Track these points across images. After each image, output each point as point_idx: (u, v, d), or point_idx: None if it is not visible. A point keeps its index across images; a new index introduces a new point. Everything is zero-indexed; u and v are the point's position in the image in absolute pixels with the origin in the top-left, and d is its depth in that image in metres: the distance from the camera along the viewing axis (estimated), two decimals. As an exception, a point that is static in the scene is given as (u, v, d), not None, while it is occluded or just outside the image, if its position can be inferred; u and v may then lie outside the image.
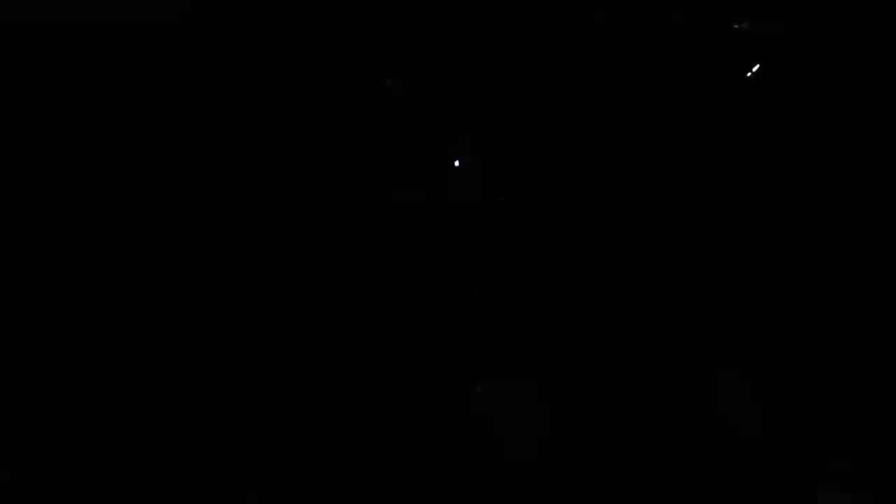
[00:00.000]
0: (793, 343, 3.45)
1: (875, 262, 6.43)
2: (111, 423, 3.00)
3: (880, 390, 3.30)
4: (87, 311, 6.22)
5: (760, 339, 3.52)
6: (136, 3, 5.38)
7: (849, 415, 3.02)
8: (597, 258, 7.15)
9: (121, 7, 5.25)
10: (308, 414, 3.02)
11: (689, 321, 3.65)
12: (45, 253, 6.43)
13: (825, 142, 6.74)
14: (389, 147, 8.62)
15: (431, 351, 3.56)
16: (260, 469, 2.53)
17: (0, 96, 6.00)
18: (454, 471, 2.57)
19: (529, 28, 6.97)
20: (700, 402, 3.17)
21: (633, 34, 6.55)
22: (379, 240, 7.70)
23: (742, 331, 3.99)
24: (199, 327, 6.85)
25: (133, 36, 5.62)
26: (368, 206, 8.35)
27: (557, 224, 6.29)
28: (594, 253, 7.12)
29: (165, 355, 5.59)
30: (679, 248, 7.08)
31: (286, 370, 3.79)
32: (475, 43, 7.43)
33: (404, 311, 6.95)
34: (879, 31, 5.54)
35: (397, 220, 8.16)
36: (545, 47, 7.36)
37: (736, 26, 6.27)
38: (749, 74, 6.46)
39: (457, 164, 9.47)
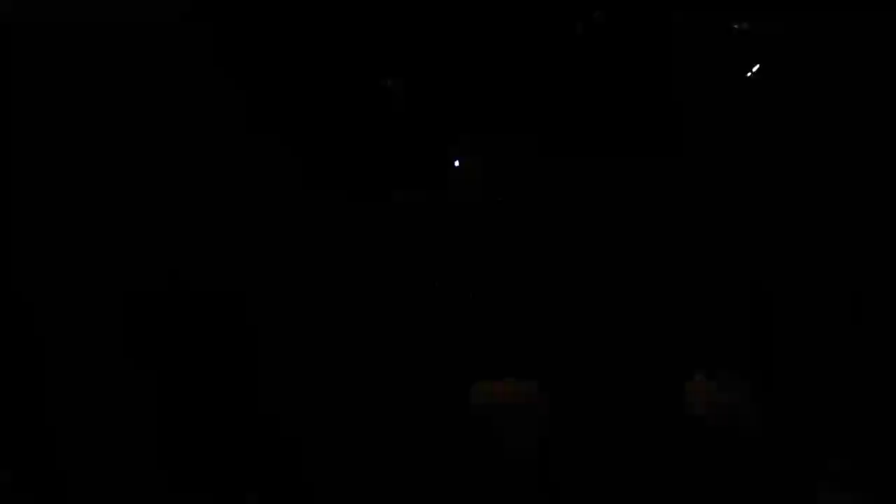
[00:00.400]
0: (793, 343, 3.45)
1: (875, 262, 6.43)
2: (111, 423, 3.00)
3: (880, 390, 3.30)
4: (87, 311, 6.22)
5: (760, 339, 3.52)
6: (136, 3, 5.38)
7: (849, 415, 3.02)
8: (596, 258, 7.14)
9: (121, 7, 5.25)
10: (308, 414, 3.02)
11: (689, 321, 3.65)
12: (45, 253, 6.43)
13: (825, 141, 6.74)
14: (389, 147, 8.61)
15: (431, 351, 3.56)
16: (260, 469, 2.52)
17: (0, 96, 6.00)
18: (454, 470, 2.57)
19: (529, 28, 6.96)
20: (699, 402, 3.17)
21: (633, 34, 6.55)
22: (379, 240, 7.69)
23: (742, 331, 3.99)
24: (199, 327, 6.84)
25: (133, 36, 5.62)
26: (368, 206, 8.34)
27: (557, 224, 6.29)
28: (594, 253, 7.11)
29: (165, 355, 5.59)
30: (679, 248, 7.08)
31: (286, 370, 3.79)
32: (475, 43, 7.42)
33: (404, 310, 6.94)
34: (879, 31, 5.53)
35: (397, 220, 8.16)
36: (545, 47, 7.36)
37: (736, 26, 6.27)
38: (749, 74, 6.46)
39: (457, 164, 9.46)
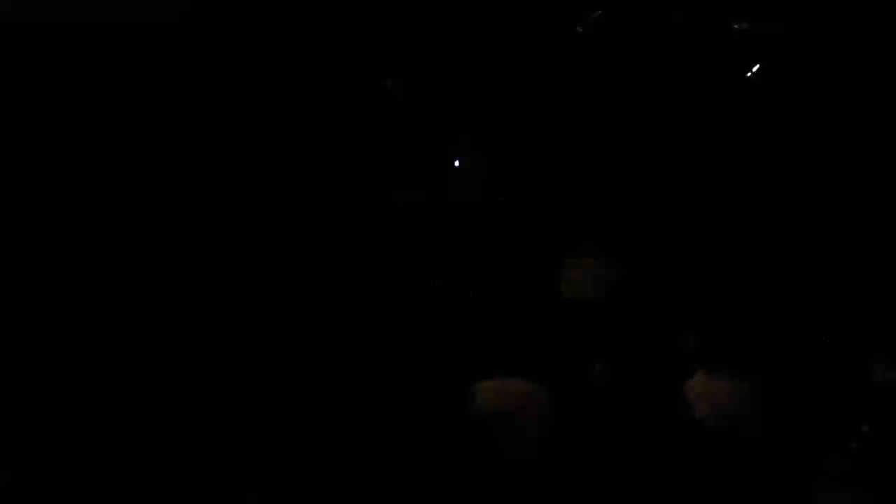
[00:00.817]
0: (793, 343, 3.45)
1: (875, 262, 6.42)
2: (111, 423, 3.00)
3: (880, 390, 3.30)
4: (87, 311, 6.22)
5: (760, 339, 3.52)
6: (136, 3, 5.38)
7: (848, 415, 3.02)
8: (596, 258, 7.13)
9: (121, 7, 5.25)
10: (308, 414, 3.02)
11: (689, 321, 3.65)
12: (45, 253, 6.43)
13: (825, 141, 6.74)
14: (389, 147, 8.62)
15: (431, 350, 3.56)
16: (260, 469, 2.52)
17: (0, 96, 6.00)
18: (454, 470, 2.57)
19: (529, 29, 6.96)
20: (699, 402, 3.17)
21: (633, 34, 6.55)
22: (379, 240, 7.68)
23: (742, 331, 4.00)
24: (199, 327, 6.84)
25: (133, 36, 5.62)
26: (368, 206, 8.34)
27: (557, 224, 6.28)
28: (593, 253, 7.10)
29: (165, 355, 5.58)
30: (679, 248, 7.07)
31: (286, 370, 3.79)
32: (475, 43, 7.42)
33: (404, 310, 6.94)
34: (879, 31, 5.53)
35: (397, 220, 8.16)
36: (545, 48, 7.36)
37: (736, 26, 6.27)
38: (749, 74, 6.45)
39: (457, 164, 9.46)
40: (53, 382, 3.52)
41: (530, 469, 3.35)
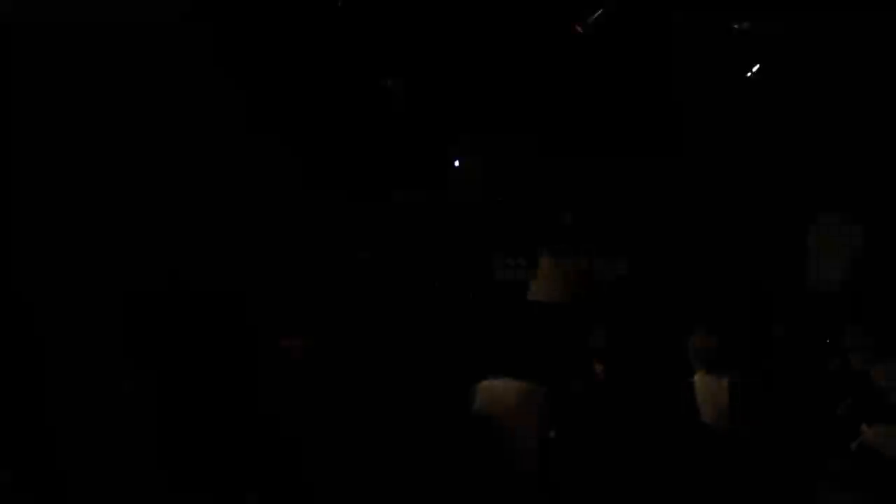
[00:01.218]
0: (793, 343, 3.46)
1: (875, 262, 6.42)
2: (111, 423, 2.99)
3: (880, 390, 3.30)
4: (87, 311, 6.21)
5: (760, 339, 3.53)
6: (136, 3, 5.37)
7: (848, 415, 3.02)
8: (596, 258, 7.12)
9: (121, 7, 5.24)
10: (308, 414, 3.01)
11: (689, 321, 3.65)
12: (45, 253, 6.42)
13: (825, 141, 6.73)
14: (389, 147, 8.62)
15: (432, 350, 3.56)
16: (260, 469, 2.52)
17: (0, 96, 5.99)
18: (454, 470, 2.56)
19: (529, 29, 6.96)
20: (700, 403, 3.17)
21: (633, 34, 6.55)
22: (379, 240, 7.69)
23: (742, 330, 4.00)
24: (199, 327, 6.82)
25: (133, 36, 5.61)
26: (368, 206, 8.35)
27: (556, 224, 6.28)
28: (592, 252, 7.09)
29: (165, 355, 5.58)
30: (679, 248, 7.06)
31: (286, 370, 3.79)
32: (475, 44, 7.42)
33: (404, 310, 6.93)
34: (879, 31, 5.53)
35: (397, 220, 8.16)
36: (545, 48, 7.35)
37: (736, 26, 6.27)
38: (749, 74, 6.45)
39: (457, 164, 9.46)
40: (53, 382, 3.52)
41: (530, 468, 3.35)
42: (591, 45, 6.68)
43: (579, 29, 5.85)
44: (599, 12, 5.58)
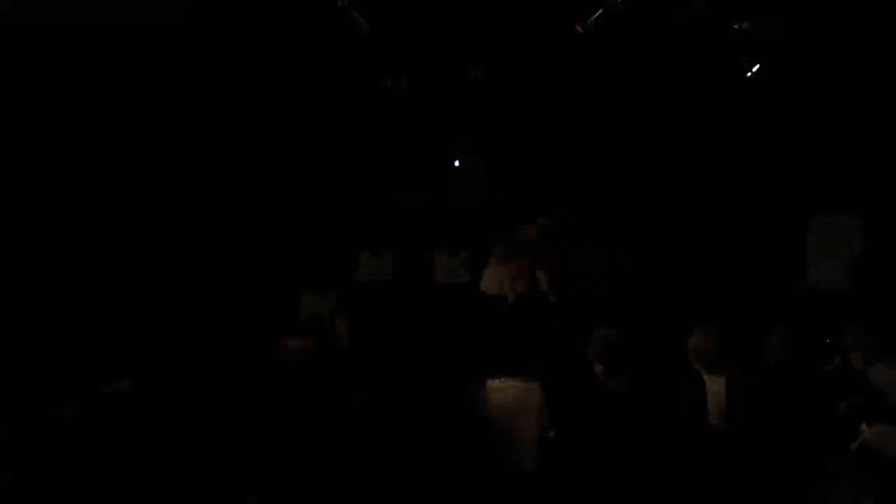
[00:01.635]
0: (793, 343, 3.45)
1: (874, 261, 6.41)
2: (111, 423, 3.00)
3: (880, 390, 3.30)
4: (87, 311, 6.20)
5: (760, 338, 3.52)
6: (137, 2, 5.37)
7: (848, 415, 3.02)
8: (596, 258, 7.12)
9: (121, 7, 5.24)
10: (308, 414, 3.01)
11: (689, 321, 3.64)
12: (46, 253, 6.42)
13: (825, 141, 6.73)
14: (389, 147, 8.61)
15: (432, 351, 3.56)
16: (260, 469, 2.52)
17: (0, 96, 5.99)
18: (454, 470, 2.56)
19: (529, 29, 6.95)
20: (699, 403, 3.16)
21: (633, 34, 6.54)
22: (379, 240, 7.68)
23: (742, 331, 3.99)
24: (199, 327, 6.80)
25: (133, 36, 5.61)
26: (368, 206, 8.34)
27: (556, 224, 6.28)
28: (593, 253, 7.09)
29: (165, 355, 5.57)
30: (679, 248, 7.06)
31: (286, 370, 3.79)
32: (476, 44, 7.40)
33: (404, 310, 6.92)
34: (879, 31, 5.52)
35: (397, 220, 8.15)
36: (545, 48, 7.34)
37: (736, 26, 6.26)
38: (749, 74, 6.45)
39: (457, 164, 9.47)
40: (53, 383, 3.52)
41: (530, 468, 3.35)
42: (592, 44, 6.69)
43: (580, 29, 5.85)
44: (600, 12, 5.58)
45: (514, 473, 3.24)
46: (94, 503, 2.42)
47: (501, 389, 3.32)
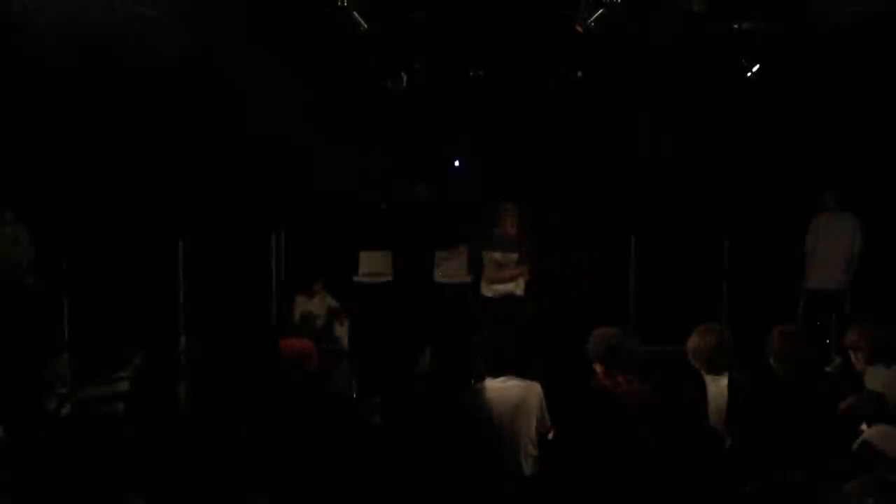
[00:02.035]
0: (792, 341, 3.45)
1: (874, 261, 6.41)
2: (111, 423, 3.00)
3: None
4: (87, 310, 6.21)
5: (761, 338, 3.52)
6: (137, 2, 5.37)
7: (848, 415, 3.02)
8: (596, 258, 7.12)
9: (121, 7, 5.24)
10: (308, 415, 3.01)
11: (690, 320, 3.65)
12: (45, 252, 6.42)
13: (825, 141, 6.73)
14: (389, 147, 8.60)
15: (431, 351, 3.57)
16: (261, 470, 2.52)
17: (0, 96, 5.99)
18: (454, 472, 2.56)
19: (529, 30, 6.95)
20: (698, 404, 3.17)
21: (633, 34, 6.54)
22: (379, 240, 7.69)
23: (742, 331, 4.00)
24: (199, 327, 6.83)
25: (133, 36, 5.60)
26: (368, 206, 8.35)
27: (556, 223, 6.29)
28: (593, 252, 7.10)
29: (165, 355, 5.58)
30: (679, 248, 7.06)
31: (286, 370, 3.79)
32: (476, 44, 7.40)
33: (404, 311, 6.93)
34: (879, 30, 5.53)
35: (397, 220, 8.16)
36: (545, 48, 7.34)
37: (736, 26, 6.27)
38: (749, 74, 6.45)
39: (457, 164, 9.47)
40: (53, 382, 3.52)
41: (530, 468, 3.35)
42: (591, 46, 6.69)
43: (580, 29, 5.86)
44: (600, 12, 5.58)
45: (514, 474, 3.25)
46: (93, 503, 2.43)
47: (501, 389, 3.33)
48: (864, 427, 2.91)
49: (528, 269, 5.37)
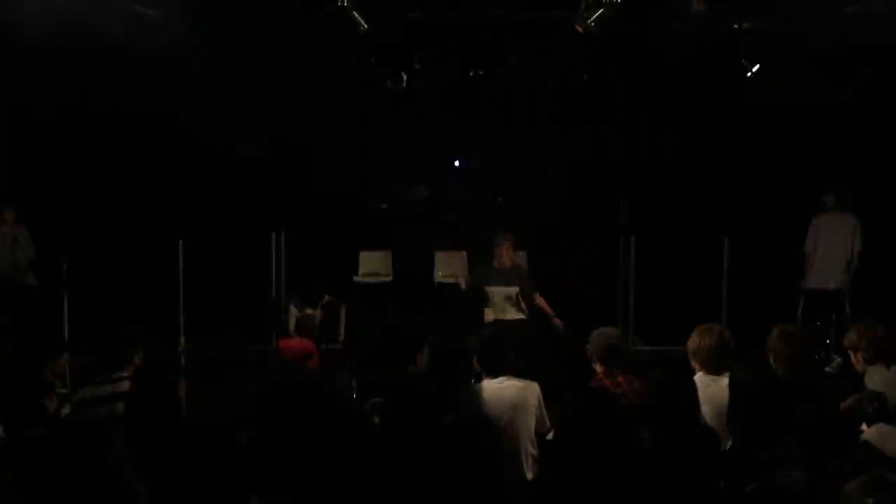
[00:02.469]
0: (793, 340, 3.45)
1: (874, 261, 6.41)
2: (111, 423, 3.00)
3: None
4: (87, 310, 6.21)
5: (761, 338, 3.52)
6: (138, 3, 5.37)
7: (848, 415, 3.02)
8: (596, 258, 7.12)
9: (121, 7, 5.24)
10: (308, 415, 3.01)
11: (690, 320, 3.65)
12: (45, 252, 6.42)
13: (825, 141, 6.73)
14: (390, 147, 8.59)
15: (431, 350, 3.56)
16: (261, 471, 2.52)
17: (0, 96, 5.99)
18: (454, 472, 2.56)
19: (529, 30, 6.94)
20: (692, 404, 3.17)
21: (632, 34, 6.54)
22: (379, 240, 7.68)
23: (742, 331, 3.99)
24: (198, 327, 6.82)
25: (133, 36, 5.60)
26: (368, 206, 8.34)
27: (556, 223, 6.30)
28: (593, 252, 7.09)
29: (165, 354, 5.57)
30: (679, 248, 7.05)
31: (286, 370, 3.79)
32: (476, 44, 7.39)
33: (404, 311, 6.92)
34: (879, 30, 5.53)
35: (397, 221, 8.15)
36: (545, 48, 7.33)
37: (736, 26, 6.27)
38: (749, 74, 6.45)
39: (457, 164, 9.45)
40: (53, 382, 3.52)
41: (529, 468, 3.35)
42: (592, 46, 6.69)
43: (580, 29, 5.86)
44: (600, 11, 5.59)
45: (514, 474, 3.25)
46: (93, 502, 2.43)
47: (500, 390, 3.33)
48: (864, 427, 2.92)
49: (535, 292, 5.45)
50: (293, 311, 5.44)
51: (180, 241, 6.71)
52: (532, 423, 3.36)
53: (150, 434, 2.85)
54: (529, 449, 3.35)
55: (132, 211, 6.92)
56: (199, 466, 2.41)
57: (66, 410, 3.43)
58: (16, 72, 5.80)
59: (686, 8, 5.49)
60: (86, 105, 6.35)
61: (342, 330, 6.28)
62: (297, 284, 6.27)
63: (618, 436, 2.48)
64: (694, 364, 3.38)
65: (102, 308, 6.48)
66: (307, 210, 7.57)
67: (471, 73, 7.54)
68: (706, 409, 3.20)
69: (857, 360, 3.50)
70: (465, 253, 7.20)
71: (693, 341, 3.38)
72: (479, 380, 3.48)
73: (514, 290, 5.32)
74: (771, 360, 3.39)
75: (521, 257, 6.56)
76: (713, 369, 3.31)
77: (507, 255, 5.35)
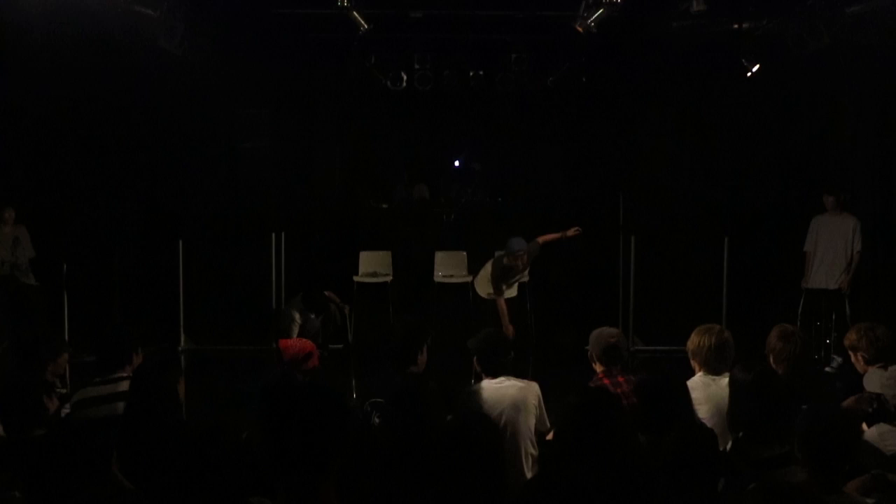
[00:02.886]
0: (792, 340, 3.45)
1: (874, 261, 6.41)
2: (111, 424, 3.00)
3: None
4: (87, 310, 6.21)
5: (761, 338, 3.52)
6: (138, 3, 5.36)
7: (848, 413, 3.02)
8: (596, 257, 7.12)
9: (121, 8, 5.24)
10: (309, 415, 3.01)
11: (690, 320, 3.65)
12: (45, 252, 6.42)
13: (825, 141, 6.73)
14: (390, 147, 8.59)
15: (431, 350, 3.56)
16: (262, 471, 2.51)
17: (1, 96, 5.99)
18: (454, 472, 2.56)
19: (530, 31, 6.94)
20: (700, 403, 3.17)
21: (632, 34, 6.54)
22: (379, 240, 7.68)
23: (742, 331, 3.99)
24: (198, 327, 6.82)
25: (134, 37, 5.60)
26: (368, 206, 8.33)
27: (556, 223, 6.29)
28: (592, 252, 7.09)
29: (165, 354, 5.57)
30: (679, 248, 7.05)
31: (286, 370, 3.79)
32: (476, 44, 7.39)
33: (403, 311, 6.92)
34: (879, 30, 5.53)
35: (397, 220, 8.15)
36: (545, 48, 7.34)
37: (737, 26, 6.27)
38: (749, 74, 6.45)
39: (457, 164, 9.45)
40: (53, 382, 3.52)
41: (529, 468, 3.35)
42: (592, 46, 6.70)
43: (580, 29, 5.86)
44: (600, 11, 5.58)
45: (514, 474, 3.25)
46: (93, 501, 2.43)
47: (499, 389, 3.33)
48: (864, 427, 2.91)
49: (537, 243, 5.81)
50: (296, 317, 5.45)
51: (180, 241, 6.72)
52: (532, 423, 3.35)
53: (149, 434, 2.85)
54: (529, 449, 3.34)
55: (132, 211, 6.92)
56: (198, 467, 2.40)
57: (66, 410, 3.43)
58: (16, 72, 5.80)
59: (686, 8, 5.49)
60: (86, 105, 6.35)
61: (350, 330, 6.29)
62: (296, 285, 6.26)
63: (617, 436, 2.48)
64: (694, 364, 3.38)
65: (102, 308, 6.48)
66: (307, 210, 7.57)
67: (471, 73, 7.55)
68: (706, 409, 3.20)
69: (857, 360, 3.49)
70: (465, 253, 7.21)
71: (693, 341, 3.37)
72: (479, 380, 3.47)
73: (525, 278, 5.91)
74: (771, 360, 3.39)
75: None
76: (713, 369, 3.31)
77: (523, 261, 5.70)
